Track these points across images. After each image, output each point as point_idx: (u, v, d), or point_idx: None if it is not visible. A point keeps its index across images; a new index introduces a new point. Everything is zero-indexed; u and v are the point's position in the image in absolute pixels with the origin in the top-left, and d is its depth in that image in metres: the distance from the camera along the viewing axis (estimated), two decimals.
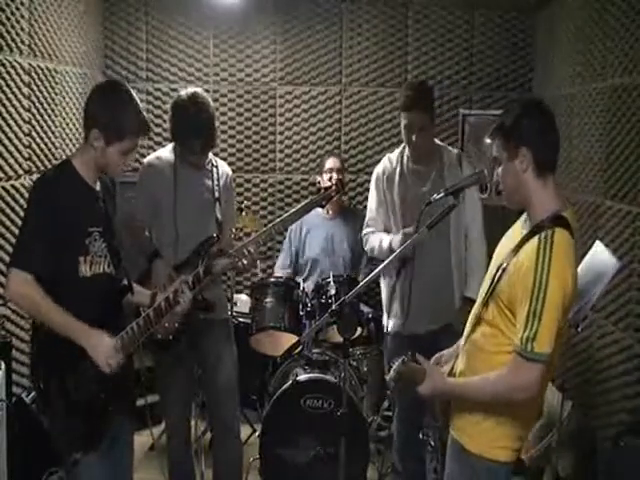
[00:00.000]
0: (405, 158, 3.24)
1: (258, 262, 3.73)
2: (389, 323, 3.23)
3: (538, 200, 2.01)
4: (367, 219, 3.37)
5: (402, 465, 3.34)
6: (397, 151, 3.30)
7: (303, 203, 3.02)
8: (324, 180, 4.21)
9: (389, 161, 3.29)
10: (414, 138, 3.10)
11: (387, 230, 3.27)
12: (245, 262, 3.00)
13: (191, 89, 3.10)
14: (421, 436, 3.01)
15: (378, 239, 3.25)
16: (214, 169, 3.18)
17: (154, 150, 3.52)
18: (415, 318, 3.13)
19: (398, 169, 3.23)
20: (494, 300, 2.03)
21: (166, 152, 3.17)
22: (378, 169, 3.31)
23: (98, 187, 2.36)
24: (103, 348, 2.23)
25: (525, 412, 2.07)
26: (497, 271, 2.04)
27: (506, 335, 2.00)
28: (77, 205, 2.25)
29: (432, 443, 3.04)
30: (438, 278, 3.16)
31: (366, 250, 3.41)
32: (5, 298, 3.07)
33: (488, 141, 2.11)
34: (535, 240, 1.95)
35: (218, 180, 3.16)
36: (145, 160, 3.24)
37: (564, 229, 1.96)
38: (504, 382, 1.96)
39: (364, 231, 3.38)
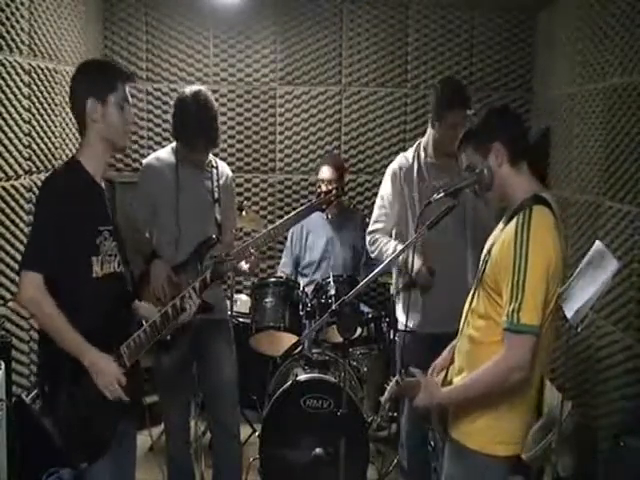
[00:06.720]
0: (422, 154, 3.26)
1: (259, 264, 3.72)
2: (407, 319, 3.15)
3: (516, 188, 2.07)
4: (377, 215, 3.30)
5: (410, 464, 3.32)
6: (411, 149, 3.32)
7: (303, 207, 3.03)
8: (323, 186, 4.11)
9: (405, 158, 3.30)
10: (457, 134, 3.13)
11: (399, 225, 3.25)
12: (247, 265, 3.02)
13: (195, 87, 3.10)
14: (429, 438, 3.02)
15: (392, 247, 3.17)
16: (214, 170, 3.17)
17: (154, 150, 3.52)
18: (432, 318, 3.11)
19: (415, 165, 3.24)
20: (483, 289, 2.05)
21: (165, 153, 3.17)
22: (394, 165, 3.30)
23: (104, 185, 2.32)
24: (109, 376, 2.17)
25: (521, 403, 2.06)
26: (482, 262, 2.07)
27: (498, 322, 1.99)
28: (88, 204, 2.22)
29: (432, 443, 3.05)
30: (455, 280, 3.09)
31: (371, 250, 3.30)
32: (5, 298, 3.08)
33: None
34: (514, 220, 1.99)
35: (218, 181, 3.15)
36: (144, 161, 3.24)
37: (543, 206, 2.00)
38: (496, 367, 1.95)
39: (372, 227, 3.30)
